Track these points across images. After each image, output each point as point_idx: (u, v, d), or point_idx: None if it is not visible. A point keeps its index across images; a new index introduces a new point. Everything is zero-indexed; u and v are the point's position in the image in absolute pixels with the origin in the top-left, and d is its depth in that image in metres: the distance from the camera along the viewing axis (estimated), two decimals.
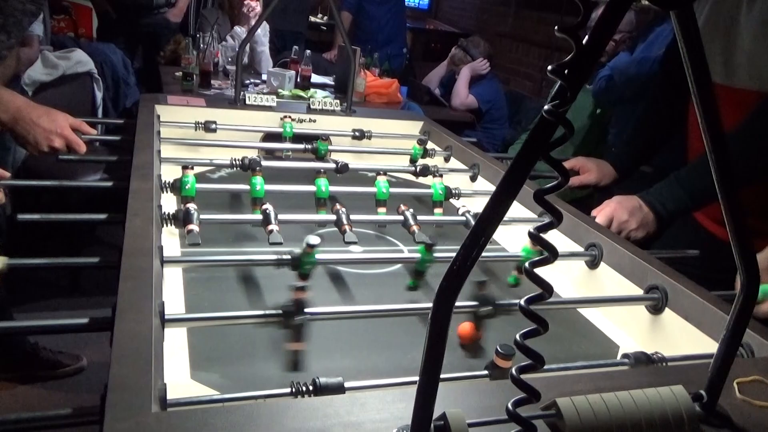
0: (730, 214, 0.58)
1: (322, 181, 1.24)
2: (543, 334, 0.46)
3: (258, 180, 1.21)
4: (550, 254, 0.46)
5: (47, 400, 2.00)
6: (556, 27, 0.49)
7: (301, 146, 1.63)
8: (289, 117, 1.76)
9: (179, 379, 0.78)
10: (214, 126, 1.62)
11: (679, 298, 0.97)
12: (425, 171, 1.51)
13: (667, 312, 0.98)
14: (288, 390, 0.67)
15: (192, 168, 1.18)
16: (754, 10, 1.22)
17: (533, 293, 0.46)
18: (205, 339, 0.88)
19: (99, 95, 2.94)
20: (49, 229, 2.53)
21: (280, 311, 0.79)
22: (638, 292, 1.03)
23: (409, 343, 0.96)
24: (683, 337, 0.95)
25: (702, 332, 0.92)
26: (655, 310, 1.00)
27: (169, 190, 1.08)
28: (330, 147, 1.68)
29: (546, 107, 0.46)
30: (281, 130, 1.72)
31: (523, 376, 0.50)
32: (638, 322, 1.02)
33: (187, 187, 1.15)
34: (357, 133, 1.75)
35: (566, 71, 0.48)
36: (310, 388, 0.67)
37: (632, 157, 1.63)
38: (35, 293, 2.53)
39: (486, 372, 0.73)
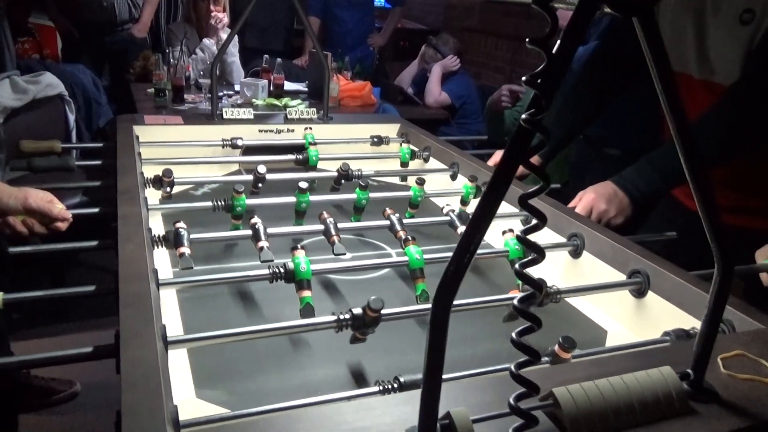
0: (701, 198, 0.61)
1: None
2: (537, 331, 0.49)
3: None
4: (538, 255, 0.49)
5: (45, 428, 1.99)
6: (527, 39, 0.52)
7: (292, 156, 1.65)
8: (310, 128, 1.81)
9: (185, 398, 0.80)
10: (240, 143, 1.68)
11: (660, 281, 1.01)
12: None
13: (650, 295, 1.02)
14: (376, 389, 0.73)
15: (243, 191, 1.22)
16: (720, 13, 1.28)
17: (526, 292, 0.49)
18: (206, 357, 0.89)
19: (72, 117, 2.91)
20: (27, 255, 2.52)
21: (282, 325, 0.81)
22: (621, 277, 1.07)
23: (406, 345, 0.98)
24: (666, 318, 0.99)
25: (684, 311, 0.96)
26: (639, 293, 1.03)
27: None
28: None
29: (523, 116, 0.49)
30: (263, 142, 1.75)
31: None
32: (623, 307, 1.06)
33: (238, 209, 1.22)
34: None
35: (539, 81, 0.50)
36: (395, 385, 0.72)
37: (556, 136, 1.64)
38: (20, 320, 2.50)
39: (484, 369, 0.76)
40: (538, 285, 0.48)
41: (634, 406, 0.62)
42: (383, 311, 0.87)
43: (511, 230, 1.14)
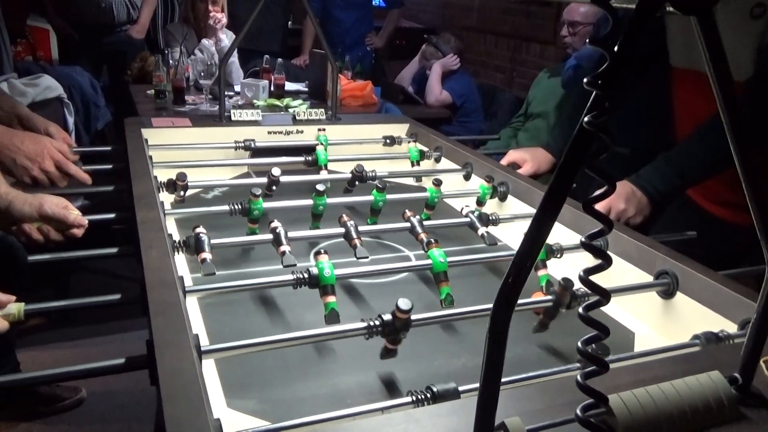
0: (753, 197, 0.60)
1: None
2: (604, 339, 0.47)
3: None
4: (605, 261, 0.47)
5: None
6: (587, 39, 0.50)
7: (301, 158, 1.63)
8: (323, 129, 1.79)
9: (217, 408, 0.78)
10: (253, 145, 1.66)
11: (689, 281, 1.00)
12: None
13: (679, 296, 1.01)
14: (409, 399, 0.71)
15: (261, 194, 1.22)
16: (730, 8, 1.27)
17: (592, 300, 0.48)
18: (233, 365, 0.87)
19: (71, 120, 2.87)
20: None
21: (313, 332, 0.80)
22: (648, 278, 1.06)
23: (433, 350, 0.97)
24: (697, 319, 0.98)
25: (715, 312, 0.95)
26: (667, 294, 1.02)
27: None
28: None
29: (586, 119, 0.48)
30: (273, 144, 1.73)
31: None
32: (651, 308, 1.05)
33: (255, 213, 1.21)
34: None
35: (600, 82, 0.49)
36: (428, 395, 0.70)
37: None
38: (21, 329, 2.47)
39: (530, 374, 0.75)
40: (606, 292, 0.47)
41: (686, 412, 0.61)
42: (413, 317, 0.85)
43: None
